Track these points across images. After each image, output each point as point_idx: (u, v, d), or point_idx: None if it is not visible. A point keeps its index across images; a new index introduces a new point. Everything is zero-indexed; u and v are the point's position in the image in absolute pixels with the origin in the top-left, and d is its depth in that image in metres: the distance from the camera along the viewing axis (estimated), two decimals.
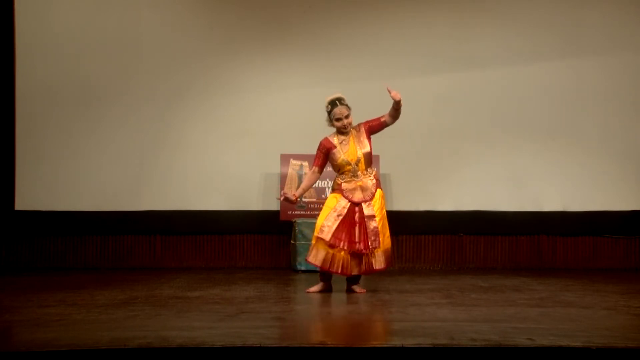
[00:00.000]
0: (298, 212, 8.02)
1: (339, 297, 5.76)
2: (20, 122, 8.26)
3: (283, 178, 8.03)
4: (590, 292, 6.08)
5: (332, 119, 5.85)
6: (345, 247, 5.77)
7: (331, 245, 5.76)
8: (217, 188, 8.31)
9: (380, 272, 5.99)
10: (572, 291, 6.14)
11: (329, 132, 5.96)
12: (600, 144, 8.37)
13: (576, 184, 8.33)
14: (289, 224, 7.92)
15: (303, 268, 7.57)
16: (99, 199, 8.24)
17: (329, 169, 6.14)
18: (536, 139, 8.35)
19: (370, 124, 5.90)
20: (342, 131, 5.86)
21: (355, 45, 8.36)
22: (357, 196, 5.83)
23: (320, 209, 6.17)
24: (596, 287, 6.41)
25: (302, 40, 8.42)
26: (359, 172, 5.85)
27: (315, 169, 5.97)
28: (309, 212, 7.92)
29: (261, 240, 8.38)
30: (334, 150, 5.86)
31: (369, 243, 5.77)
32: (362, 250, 5.77)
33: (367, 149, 5.86)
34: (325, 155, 5.92)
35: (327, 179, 7.72)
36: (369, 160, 5.89)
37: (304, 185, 6.13)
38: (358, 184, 5.84)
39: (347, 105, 5.83)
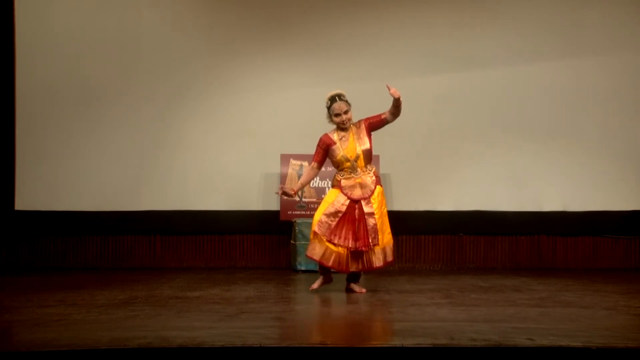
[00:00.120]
0: (298, 212, 8.02)
1: (339, 297, 5.76)
2: (20, 122, 8.26)
3: (283, 178, 8.03)
4: (590, 292, 6.08)
5: (331, 114, 5.86)
6: (345, 245, 5.77)
7: (332, 243, 5.76)
8: (217, 188, 8.31)
9: (380, 270, 5.98)
10: (572, 291, 6.14)
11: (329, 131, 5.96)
12: (600, 144, 8.36)
13: (576, 184, 8.33)
14: (289, 224, 7.92)
15: (303, 268, 7.58)
16: (99, 199, 8.24)
17: (330, 168, 6.14)
18: (536, 139, 8.35)
19: (371, 120, 5.91)
20: (341, 127, 5.87)
21: (355, 45, 8.36)
22: (356, 193, 5.83)
23: None
24: (596, 287, 6.41)
25: (302, 40, 8.42)
26: (358, 169, 5.85)
27: (314, 164, 5.98)
28: (309, 212, 7.92)
29: (261, 240, 8.38)
30: (334, 147, 5.87)
31: (370, 240, 5.77)
32: (362, 247, 5.77)
33: (367, 145, 5.86)
34: (324, 151, 5.93)
35: (327, 179, 7.73)
36: (369, 157, 5.90)
37: (302, 180, 6.15)
38: (357, 180, 5.85)
39: (346, 101, 5.84)
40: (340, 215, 5.80)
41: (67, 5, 8.38)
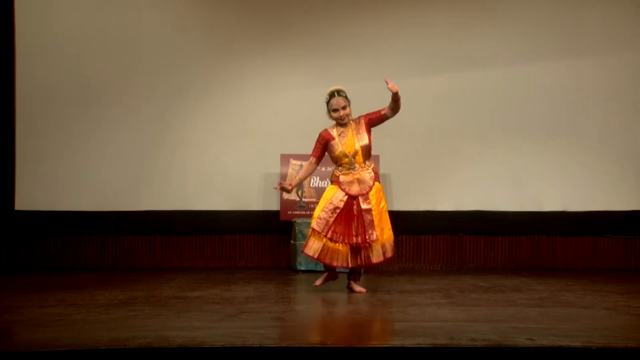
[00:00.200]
0: (298, 212, 8.03)
1: (339, 297, 5.76)
2: (20, 122, 8.26)
3: (283, 178, 8.02)
4: (590, 292, 6.08)
5: (329, 110, 5.87)
6: (343, 241, 5.77)
7: (330, 239, 5.77)
8: (217, 188, 8.31)
9: (380, 269, 5.98)
10: (572, 291, 6.14)
11: None
12: (600, 144, 8.36)
13: (576, 184, 8.33)
14: (289, 224, 7.92)
15: (303, 268, 7.58)
16: (99, 199, 8.24)
17: (330, 168, 6.13)
18: (536, 139, 8.35)
19: (370, 117, 5.92)
20: (340, 123, 5.88)
21: (355, 45, 8.36)
22: (355, 189, 5.84)
23: None
24: (596, 287, 6.41)
25: (302, 40, 8.41)
26: (357, 165, 5.86)
27: (313, 159, 6.00)
28: (309, 212, 7.92)
29: (261, 240, 8.38)
30: (332, 142, 5.88)
31: (367, 237, 5.76)
32: (359, 243, 5.77)
33: (366, 141, 5.86)
34: (323, 146, 5.94)
35: (328, 179, 7.72)
36: (367, 153, 5.90)
37: (300, 175, 6.16)
38: (355, 176, 5.85)
39: (345, 97, 5.86)
40: (338, 211, 5.80)
41: (67, 5, 8.38)
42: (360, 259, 5.84)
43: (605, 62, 8.37)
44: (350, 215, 5.81)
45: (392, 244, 5.93)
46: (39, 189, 8.22)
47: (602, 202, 8.30)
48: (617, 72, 8.37)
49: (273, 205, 8.18)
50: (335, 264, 5.84)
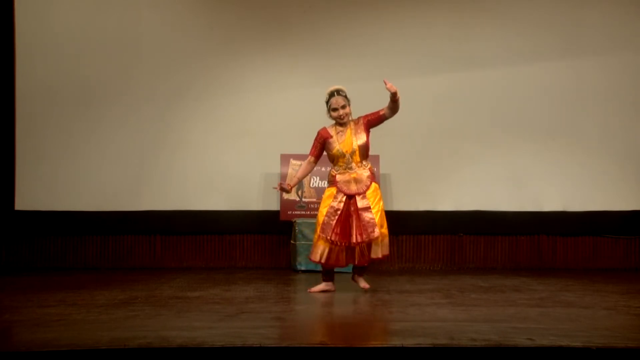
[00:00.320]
0: (298, 212, 8.03)
1: (339, 297, 5.76)
2: (20, 122, 8.26)
3: (283, 178, 8.02)
4: (590, 292, 6.08)
5: (329, 109, 5.87)
6: (340, 240, 5.77)
7: (333, 243, 5.77)
8: (217, 188, 8.31)
9: (380, 270, 5.97)
10: (572, 291, 6.13)
11: None
12: (600, 144, 8.37)
13: (576, 184, 8.33)
14: (289, 224, 7.92)
15: (303, 268, 7.58)
16: (99, 199, 8.24)
17: (330, 168, 6.12)
18: (536, 139, 8.35)
19: (369, 117, 5.92)
20: (339, 122, 5.89)
21: (355, 45, 8.36)
22: (352, 188, 5.84)
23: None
24: (596, 287, 6.41)
25: (302, 40, 8.42)
26: (353, 164, 5.86)
27: (311, 158, 6.00)
28: (309, 212, 7.92)
29: (261, 240, 8.38)
30: (330, 140, 5.88)
31: (365, 235, 5.76)
32: (356, 242, 5.77)
33: (364, 141, 5.86)
34: (321, 145, 5.95)
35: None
36: (365, 153, 5.90)
37: (298, 174, 6.15)
38: (352, 175, 5.85)
39: (344, 96, 5.86)
40: (339, 212, 5.81)
41: (67, 5, 8.38)
42: (357, 256, 5.84)
43: (605, 62, 8.38)
44: (348, 214, 5.82)
45: (387, 242, 5.91)
46: (39, 189, 8.22)
47: (602, 202, 8.30)
48: (617, 72, 8.37)
49: (273, 205, 8.18)
50: (334, 263, 5.85)
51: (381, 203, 5.91)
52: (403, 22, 8.42)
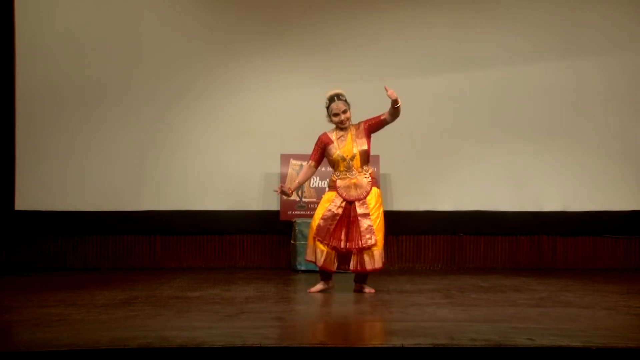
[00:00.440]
0: (298, 212, 8.03)
1: (338, 297, 5.76)
2: (20, 122, 8.26)
3: (283, 178, 8.03)
4: (590, 292, 6.07)
5: (329, 114, 5.86)
6: (338, 245, 5.77)
7: (328, 245, 5.77)
8: (217, 188, 8.31)
9: (372, 273, 5.93)
10: (572, 291, 6.13)
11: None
12: (600, 144, 8.37)
13: (576, 184, 8.34)
14: (289, 224, 7.92)
15: (303, 268, 7.58)
16: (99, 199, 8.24)
17: (330, 169, 6.12)
18: (536, 139, 8.36)
19: (370, 122, 5.90)
20: (340, 127, 5.88)
21: (355, 45, 8.36)
22: (352, 194, 5.82)
23: None
24: (596, 287, 6.41)
25: (302, 40, 8.42)
26: (354, 169, 5.85)
27: (312, 163, 5.99)
28: (309, 212, 7.92)
29: (261, 240, 8.38)
30: (331, 145, 5.87)
31: (363, 241, 5.75)
32: (352, 248, 5.77)
33: (365, 147, 5.85)
34: (322, 150, 5.94)
35: (328, 180, 7.71)
36: (366, 158, 5.89)
37: (299, 179, 6.15)
38: (352, 181, 5.84)
39: (345, 100, 5.85)
40: (337, 218, 5.80)
41: (67, 5, 8.38)
42: (353, 263, 5.81)
43: (605, 62, 8.38)
44: (347, 220, 5.81)
45: (381, 255, 5.85)
46: (39, 189, 8.22)
47: (602, 202, 8.30)
48: (617, 72, 8.37)
49: (273, 205, 8.18)
50: (333, 268, 5.85)
51: (381, 210, 5.88)
52: (403, 22, 8.42)
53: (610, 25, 8.38)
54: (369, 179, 5.87)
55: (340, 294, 5.88)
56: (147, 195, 8.28)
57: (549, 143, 8.36)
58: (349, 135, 5.87)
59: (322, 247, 5.80)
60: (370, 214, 5.79)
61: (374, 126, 5.90)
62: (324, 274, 5.96)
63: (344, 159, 5.84)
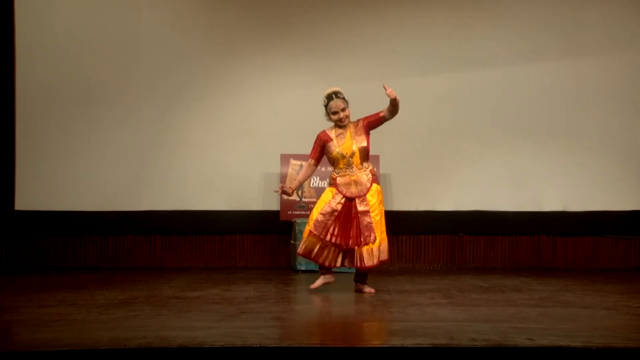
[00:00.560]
0: (298, 212, 8.03)
1: (338, 297, 5.76)
2: (20, 122, 8.26)
3: (283, 178, 8.03)
4: (590, 292, 6.08)
5: (328, 112, 5.87)
6: (337, 242, 5.77)
7: (327, 242, 5.77)
8: (217, 188, 8.31)
9: (380, 270, 5.96)
10: (572, 291, 6.13)
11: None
12: (600, 144, 8.37)
13: (576, 184, 8.33)
14: (289, 224, 7.92)
15: (303, 268, 7.58)
16: (99, 199, 8.24)
17: (330, 168, 6.13)
18: (536, 139, 8.36)
19: (369, 119, 5.91)
20: (339, 125, 5.89)
21: (355, 45, 8.36)
22: (352, 191, 5.83)
23: None
24: (596, 287, 6.41)
25: (302, 40, 8.42)
26: (354, 166, 5.85)
27: (312, 161, 6.00)
28: (308, 212, 7.90)
29: (261, 240, 8.38)
30: (330, 143, 5.88)
31: (362, 239, 5.76)
32: (353, 245, 5.77)
33: (364, 144, 5.86)
34: (321, 148, 5.94)
35: (328, 179, 7.71)
36: (365, 155, 5.89)
37: (299, 177, 6.16)
38: (352, 178, 5.85)
39: (343, 98, 5.86)
40: (336, 214, 5.80)
41: (67, 5, 8.38)
42: (354, 260, 5.82)
43: (605, 62, 8.38)
44: (347, 217, 5.81)
45: (387, 246, 5.89)
46: (39, 189, 8.22)
47: (602, 202, 8.30)
48: (617, 72, 8.37)
49: (273, 205, 8.18)
50: (326, 264, 5.85)
51: (382, 206, 5.90)
52: (403, 22, 8.42)
53: (610, 25, 8.38)
54: (369, 175, 5.88)
55: (340, 294, 5.88)
56: (147, 195, 8.28)
57: (549, 143, 8.36)
58: (348, 132, 5.88)
59: (312, 241, 5.80)
60: (371, 211, 5.80)
61: (372, 123, 5.91)
62: (323, 268, 5.95)
63: (343, 157, 5.85)
